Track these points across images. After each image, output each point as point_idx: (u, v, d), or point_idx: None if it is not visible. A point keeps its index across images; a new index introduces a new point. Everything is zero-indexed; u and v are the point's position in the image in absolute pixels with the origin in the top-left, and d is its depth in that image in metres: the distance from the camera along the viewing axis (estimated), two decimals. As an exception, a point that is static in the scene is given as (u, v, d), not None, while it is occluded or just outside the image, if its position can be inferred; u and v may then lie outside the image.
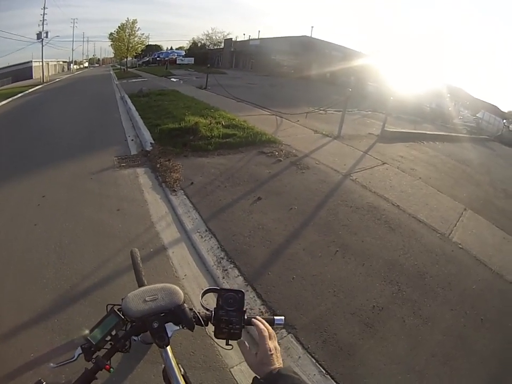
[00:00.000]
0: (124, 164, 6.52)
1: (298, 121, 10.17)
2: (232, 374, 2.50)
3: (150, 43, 57.22)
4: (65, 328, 2.79)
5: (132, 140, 8.21)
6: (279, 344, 2.60)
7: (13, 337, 2.72)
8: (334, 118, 10.36)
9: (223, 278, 3.43)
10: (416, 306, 3.16)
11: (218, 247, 3.90)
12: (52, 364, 1.17)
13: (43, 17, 41.35)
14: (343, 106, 9.03)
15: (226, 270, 3.54)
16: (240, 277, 3.43)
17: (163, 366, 1.26)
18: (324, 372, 2.49)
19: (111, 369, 1.11)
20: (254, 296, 3.18)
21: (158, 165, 6.18)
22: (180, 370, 1.25)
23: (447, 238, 4.40)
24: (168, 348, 1.23)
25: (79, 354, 1.13)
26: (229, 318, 1.19)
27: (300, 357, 2.61)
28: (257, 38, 43.32)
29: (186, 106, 11.06)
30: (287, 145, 7.51)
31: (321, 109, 10.88)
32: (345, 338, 2.78)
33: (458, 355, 2.71)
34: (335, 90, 15.59)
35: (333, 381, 2.42)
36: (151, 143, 7.53)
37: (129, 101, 13.67)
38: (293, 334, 2.80)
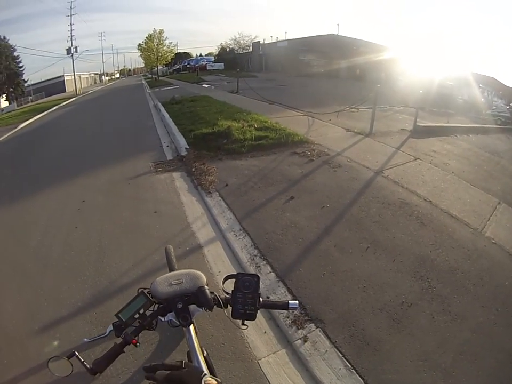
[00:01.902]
0: (160, 169, 6.75)
1: (330, 120, 10.10)
2: (260, 365, 2.57)
3: (178, 51, 58.18)
4: (103, 320, 2.97)
5: (167, 146, 8.45)
6: (307, 338, 2.72)
7: (52, 328, 2.94)
8: (366, 115, 10.14)
9: (255, 274, 3.51)
10: (446, 302, 3.09)
11: (251, 245, 3.99)
12: (85, 339, 1.36)
13: (71, 33, 43.29)
14: (373, 103, 8.90)
15: (259, 266, 3.63)
16: (272, 273, 3.51)
17: (187, 349, 1.37)
18: (350, 366, 2.50)
19: (138, 343, 1.24)
20: (285, 291, 3.24)
21: (193, 169, 6.35)
22: (202, 352, 1.35)
23: (480, 233, 4.25)
24: (192, 328, 1.37)
25: (110, 331, 1.29)
26: (245, 300, 1.28)
27: (326, 351, 2.63)
28: (284, 39, 43.23)
29: (219, 111, 11.21)
30: (319, 145, 7.50)
31: (352, 106, 10.76)
32: (373, 333, 2.78)
33: (487, 354, 2.62)
34: (365, 87, 15.32)
35: (357, 375, 2.43)
36: (185, 148, 7.71)
37: (162, 108, 13.98)
38: (321, 328, 2.83)
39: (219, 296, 1.36)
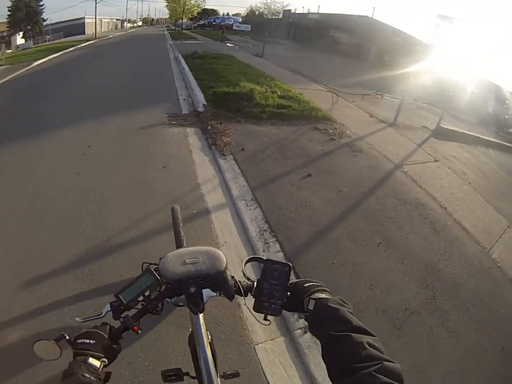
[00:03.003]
0: (174, 122, 6.48)
1: (354, 102, 9.85)
2: (255, 350, 2.46)
3: (206, 7, 56.64)
4: (95, 280, 2.81)
5: (184, 100, 8.14)
6: (308, 329, 2.50)
7: (40, 282, 2.76)
8: (389, 104, 10.00)
9: (263, 251, 3.34)
10: (445, 317, 3.03)
11: (262, 218, 3.80)
12: (77, 319, 1.15)
13: None
14: (402, 95, 8.67)
15: (268, 243, 3.44)
16: (280, 252, 3.34)
17: (190, 330, 1.24)
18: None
19: (139, 330, 1.06)
20: (291, 275, 3.05)
21: (209, 127, 6.09)
22: (208, 338, 1.21)
23: (487, 253, 4.12)
24: (201, 314, 1.19)
25: (107, 312, 1.09)
26: (272, 292, 1.08)
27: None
28: (316, 12, 42.13)
29: (242, 72, 10.89)
30: (341, 125, 7.28)
31: (378, 93, 10.52)
32: (373, 335, 2.68)
33: (474, 377, 2.60)
34: (392, 76, 15.05)
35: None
36: (203, 104, 7.44)
37: (183, 61, 13.61)
38: (324, 321, 2.70)
39: (240, 282, 1.15)
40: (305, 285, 1.06)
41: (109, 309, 1.07)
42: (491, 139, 10.45)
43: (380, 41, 26.91)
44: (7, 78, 11.59)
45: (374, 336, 0.83)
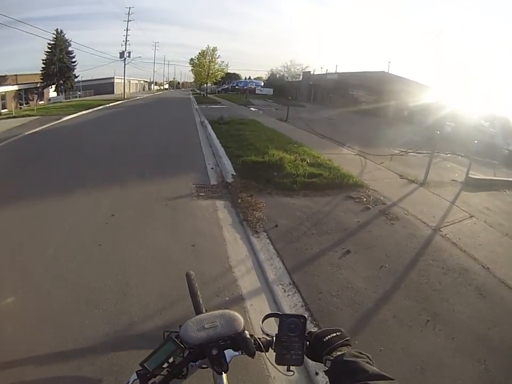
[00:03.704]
0: (203, 194, 6.38)
1: (382, 163, 9.84)
2: None
3: (228, 71, 59.45)
4: (115, 370, 2.57)
5: (212, 168, 8.17)
6: None
7: (53, 365, 2.59)
8: (416, 161, 10.11)
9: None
10: None
11: (302, 305, 3.51)
12: None
13: (126, 38, 45.44)
14: (431, 151, 8.61)
15: (311, 334, 3.15)
16: (324, 343, 3.03)
17: None
18: None
19: None
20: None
21: (239, 200, 5.95)
22: None
23: None
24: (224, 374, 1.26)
25: (134, 380, 1.15)
26: (291, 344, 1.15)
27: None
28: (334, 72, 43.49)
29: (269, 139, 11.02)
30: (374, 191, 7.13)
31: (408, 151, 10.50)
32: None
33: None
34: (413, 129, 15.19)
35: None
36: (232, 174, 7.41)
37: (209, 127, 14.00)
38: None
39: (259, 338, 1.21)
40: (324, 340, 1.09)
41: (136, 377, 1.11)
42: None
43: (397, 95, 27.35)
44: (38, 129, 12.07)
45: (392, 379, 0.89)
